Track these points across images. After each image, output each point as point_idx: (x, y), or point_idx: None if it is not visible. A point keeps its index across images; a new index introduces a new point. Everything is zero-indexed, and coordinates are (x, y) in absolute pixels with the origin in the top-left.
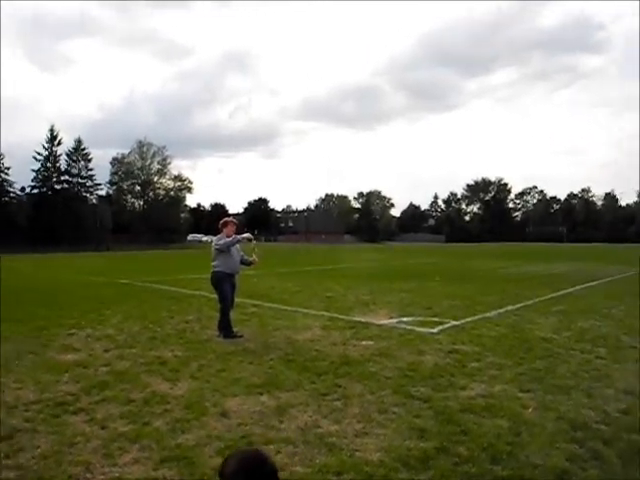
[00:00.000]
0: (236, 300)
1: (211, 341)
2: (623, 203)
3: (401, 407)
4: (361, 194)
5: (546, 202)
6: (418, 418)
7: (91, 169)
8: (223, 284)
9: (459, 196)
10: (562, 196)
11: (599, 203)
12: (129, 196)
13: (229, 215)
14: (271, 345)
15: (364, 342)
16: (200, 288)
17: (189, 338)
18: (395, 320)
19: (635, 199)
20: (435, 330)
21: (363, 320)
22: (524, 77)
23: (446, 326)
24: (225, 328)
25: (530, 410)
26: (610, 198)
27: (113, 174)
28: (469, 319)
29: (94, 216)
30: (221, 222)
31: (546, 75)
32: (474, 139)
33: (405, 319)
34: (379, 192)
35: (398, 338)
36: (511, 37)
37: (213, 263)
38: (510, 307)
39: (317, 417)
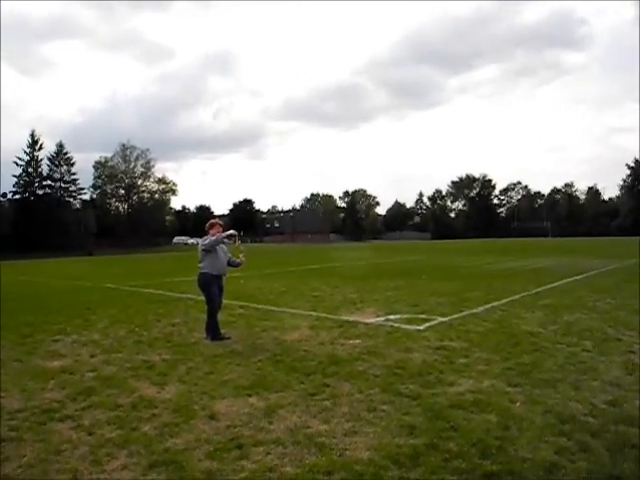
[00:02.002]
0: (223, 302)
1: (199, 344)
2: (606, 197)
3: (390, 405)
4: (346, 193)
5: (530, 197)
6: (407, 415)
7: (74, 173)
8: (210, 286)
9: (444, 193)
10: (546, 191)
11: (582, 197)
12: (113, 200)
13: (214, 217)
14: (259, 346)
15: (352, 341)
16: (187, 291)
17: (176, 341)
18: (382, 318)
19: (618, 193)
20: (422, 327)
21: (350, 319)
22: (507, 73)
23: (433, 323)
24: (212, 330)
25: (518, 404)
26: (593, 193)
27: (96, 178)
28: (456, 315)
29: (78, 221)
30: (207, 224)
31: (529, 71)
32: (458, 136)
33: (392, 317)
34: (364, 191)
35: (385, 336)
36: (493, 34)
37: (200, 265)
38: (496, 303)
39: (306, 417)
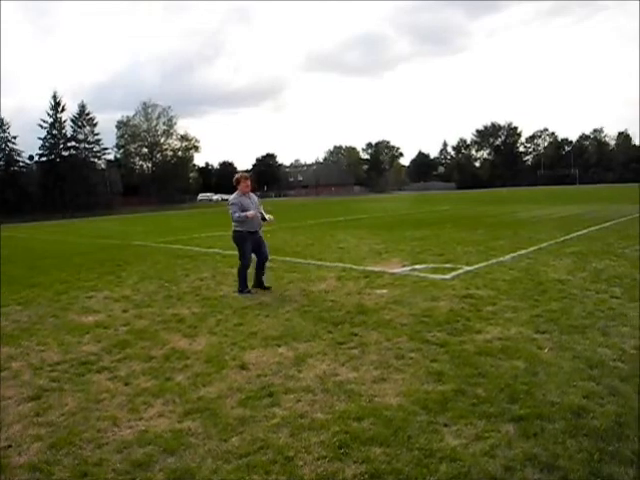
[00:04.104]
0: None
1: (227, 297)
2: (637, 142)
3: (417, 352)
4: (370, 144)
5: (557, 144)
6: (435, 362)
7: (97, 134)
8: (244, 242)
9: (468, 142)
10: (574, 138)
11: (612, 143)
12: (137, 159)
13: (239, 172)
14: (286, 298)
15: (378, 291)
16: (213, 246)
17: (205, 295)
18: (408, 268)
19: None
20: (449, 276)
21: (376, 269)
22: (537, 13)
23: (460, 272)
24: (241, 284)
25: (546, 350)
26: (624, 137)
27: (119, 137)
28: (482, 264)
29: (104, 180)
30: (235, 179)
31: (562, 9)
32: (483, 82)
33: (418, 267)
34: (387, 142)
35: (412, 285)
36: None
37: (234, 222)
38: (523, 251)
39: (335, 365)
